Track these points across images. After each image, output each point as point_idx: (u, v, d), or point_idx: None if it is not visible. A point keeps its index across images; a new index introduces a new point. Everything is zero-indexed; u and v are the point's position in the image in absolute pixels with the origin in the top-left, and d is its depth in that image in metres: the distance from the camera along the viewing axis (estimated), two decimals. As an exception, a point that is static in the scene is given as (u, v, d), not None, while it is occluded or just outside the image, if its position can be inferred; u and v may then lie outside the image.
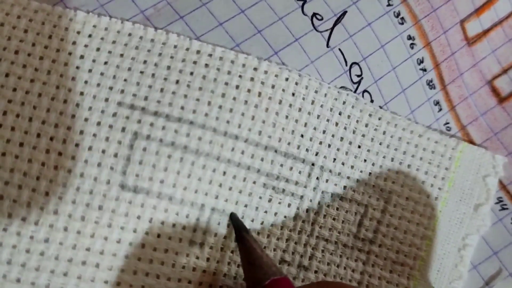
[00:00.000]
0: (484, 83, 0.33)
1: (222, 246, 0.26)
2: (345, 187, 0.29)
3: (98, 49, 0.25)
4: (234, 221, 0.26)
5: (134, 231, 0.25)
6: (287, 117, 0.27)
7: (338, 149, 0.28)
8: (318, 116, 0.28)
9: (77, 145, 0.24)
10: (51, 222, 0.24)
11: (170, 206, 0.25)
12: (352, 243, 0.29)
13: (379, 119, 0.29)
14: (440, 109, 0.31)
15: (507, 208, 0.32)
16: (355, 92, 0.29)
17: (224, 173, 0.26)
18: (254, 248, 0.24)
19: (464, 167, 0.31)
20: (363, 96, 0.29)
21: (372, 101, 0.29)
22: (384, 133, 0.29)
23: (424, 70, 0.31)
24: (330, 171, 0.28)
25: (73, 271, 0.24)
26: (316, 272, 0.28)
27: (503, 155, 0.32)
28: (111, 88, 0.25)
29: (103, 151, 0.24)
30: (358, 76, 0.29)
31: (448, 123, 0.31)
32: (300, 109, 0.27)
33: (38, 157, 0.24)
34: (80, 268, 0.24)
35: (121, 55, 0.25)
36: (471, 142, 0.32)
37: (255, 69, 0.27)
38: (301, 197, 0.28)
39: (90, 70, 0.25)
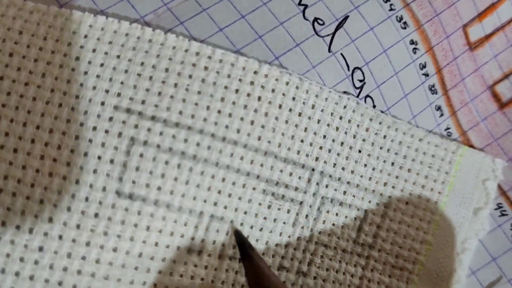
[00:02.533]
0: (485, 88, 0.31)
1: (220, 253, 0.25)
2: (345, 192, 0.27)
3: (94, 50, 0.23)
4: (239, 238, 0.24)
5: (131, 240, 0.23)
6: (287, 122, 0.25)
7: (338, 154, 0.27)
8: (319, 121, 0.26)
9: (72, 151, 0.22)
10: (45, 230, 0.22)
11: (168, 213, 0.23)
12: (351, 248, 0.27)
13: (380, 123, 0.27)
14: (442, 114, 0.30)
15: (506, 214, 0.30)
16: (357, 97, 0.27)
17: (223, 179, 0.24)
18: (262, 267, 0.22)
19: (464, 171, 0.29)
20: (365, 101, 0.27)
21: (374, 106, 0.28)
22: (384, 137, 0.28)
23: (427, 75, 0.29)
24: (330, 176, 0.26)
25: (68, 280, 0.22)
26: (315, 278, 0.26)
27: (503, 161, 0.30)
28: (107, 91, 0.23)
29: (99, 157, 0.23)
30: (360, 81, 0.27)
31: (449, 128, 0.30)
32: (300, 114, 0.26)
33: (33, 164, 0.22)
34: (75, 277, 0.22)
35: (118, 57, 0.23)
36: (472, 147, 0.30)
37: (255, 72, 0.25)
38: (301, 203, 0.26)
39: (85, 73, 0.23)
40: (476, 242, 0.29)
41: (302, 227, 0.26)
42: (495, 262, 0.30)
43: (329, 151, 0.26)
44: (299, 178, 0.26)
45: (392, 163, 0.28)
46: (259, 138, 0.25)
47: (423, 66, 0.29)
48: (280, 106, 0.25)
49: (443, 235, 0.29)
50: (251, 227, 0.25)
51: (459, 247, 0.29)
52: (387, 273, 0.28)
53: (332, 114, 0.26)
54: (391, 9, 0.28)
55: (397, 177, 0.28)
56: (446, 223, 0.29)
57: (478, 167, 0.29)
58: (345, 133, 0.27)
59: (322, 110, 0.26)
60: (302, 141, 0.26)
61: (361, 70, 0.27)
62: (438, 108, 0.29)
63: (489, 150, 0.30)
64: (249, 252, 0.23)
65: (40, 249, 0.22)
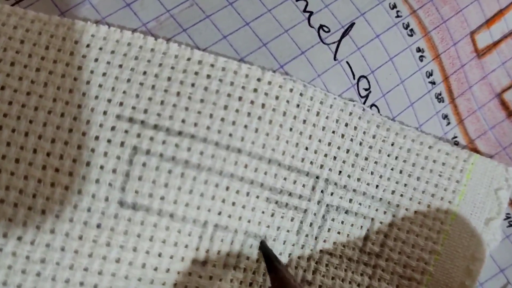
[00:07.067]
0: (493, 96, 0.28)
1: (225, 263, 0.23)
2: (351, 200, 0.25)
3: (96, 60, 0.22)
4: (265, 250, 0.22)
5: (134, 250, 0.21)
6: (291, 129, 0.23)
7: (344, 162, 0.25)
8: (324, 128, 0.24)
9: (74, 160, 0.21)
10: (47, 241, 0.20)
11: (171, 223, 0.21)
12: (357, 257, 0.25)
13: (387, 130, 0.25)
14: (449, 123, 0.27)
15: (515, 225, 0.27)
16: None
17: (227, 188, 0.22)
18: (288, 279, 0.20)
19: (475, 180, 0.26)
20: (370, 110, 0.25)
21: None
22: (392, 144, 0.25)
23: (433, 83, 0.27)
24: (335, 184, 0.24)
25: (70, 291, 0.20)
26: (320, 286, 0.24)
27: (511, 170, 0.28)
28: (109, 101, 0.21)
29: (102, 167, 0.21)
30: (366, 89, 0.25)
31: (456, 137, 0.27)
32: (304, 121, 0.24)
33: (34, 174, 0.20)
34: (78, 288, 0.20)
35: (120, 66, 0.22)
36: (480, 156, 0.28)
37: (258, 79, 0.23)
38: (305, 211, 0.24)
39: (88, 82, 0.21)
40: (487, 253, 0.27)
41: (307, 235, 0.24)
42: (503, 274, 0.27)
43: (334, 158, 0.24)
44: (303, 186, 0.24)
45: (400, 171, 0.25)
46: (263, 146, 0.23)
47: (430, 74, 0.27)
48: (284, 113, 0.23)
49: (453, 245, 0.26)
50: (254, 236, 0.23)
51: (469, 258, 0.26)
52: (394, 283, 0.25)
53: (337, 121, 0.24)
54: (397, 16, 0.26)
55: (405, 185, 0.26)
56: (456, 233, 0.26)
57: (490, 176, 0.27)
58: (351, 140, 0.25)
59: (327, 117, 0.24)
60: (306, 148, 0.24)
61: (367, 79, 0.25)
62: (445, 116, 0.27)
63: (497, 159, 0.28)
64: (276, 265, 0.21)
65: (42, 260, 0.20)
